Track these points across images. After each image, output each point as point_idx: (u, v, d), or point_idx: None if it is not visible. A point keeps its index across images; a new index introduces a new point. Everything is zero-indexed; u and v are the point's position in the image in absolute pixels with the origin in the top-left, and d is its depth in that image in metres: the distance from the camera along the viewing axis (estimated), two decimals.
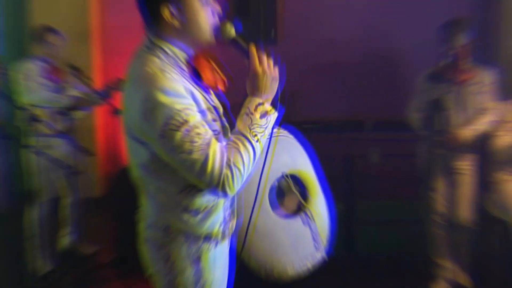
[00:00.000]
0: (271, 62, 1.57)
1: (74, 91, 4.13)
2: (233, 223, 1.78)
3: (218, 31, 1.60)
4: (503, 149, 3.45)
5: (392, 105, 3.96)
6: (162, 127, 1.45)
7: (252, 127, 1.53)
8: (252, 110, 1.55)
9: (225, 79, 1.72)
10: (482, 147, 3.62)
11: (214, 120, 1.59)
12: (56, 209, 4.34)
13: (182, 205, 1.62)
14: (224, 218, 1.72)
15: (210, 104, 1.61)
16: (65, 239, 4.49)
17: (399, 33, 5.04)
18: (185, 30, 1.59)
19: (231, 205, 1.76)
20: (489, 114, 3.50)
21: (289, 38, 5.01)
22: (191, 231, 1.66)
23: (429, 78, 3.54)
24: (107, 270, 4.17)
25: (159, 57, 1.55)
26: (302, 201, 2.07)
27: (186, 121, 1.45)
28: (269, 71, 1.56)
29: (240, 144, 1.52)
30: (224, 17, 1.63)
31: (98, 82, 5.50)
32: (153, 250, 1.69)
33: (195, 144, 1.45)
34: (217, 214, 1.67)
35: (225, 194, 1.52)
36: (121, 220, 4.21)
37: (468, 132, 3.44)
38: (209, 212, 1.66)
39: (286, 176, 2.05)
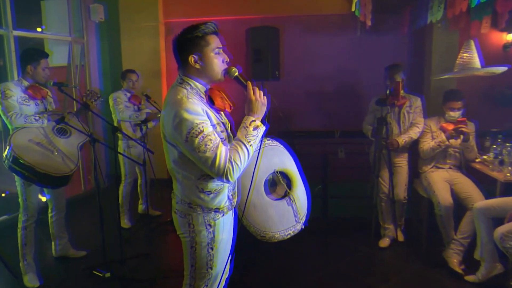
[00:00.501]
0: (262, 93, 1.66)
1: (147, 110, 4.30)
2: (234, 200, 1.81)
3: (226, 72, 1.71)
4: (426, 150, 3.49)
5: (353, 120, 4.03)
6: (186, 135, 1.54)
7: (247, 136, 1.60)
8: (247, 124, 1.62)
9: (230, 104, 1.80)
10: (413, 149, 3.69)
11: (222, 132, 1.68)
12: (135, 187, 4.45)
13: (199, 188, 1.69)
14: (228, 197, 1.76)
15: (219, 120, 1.70)
16: (141, 206, 4.69)
17: (359, 71, 5.13)
18: (203, 71, 1.69)
19: (233, 188, 1.80)
20: (417, 127, 3.56)
21: (288, 75, 5.11)
22: (205, 205, 1.72)
23: (377, 102, 3.59)
24: (167, 226, 4.23)
25: (186, 89, 1.66)
26: (287, 189, 2.08)
27: (202, 131, 1.55)
28: (260, 99, 1.64)
29: (238, 147, 1.59)
30: (230, 63, 1.73)
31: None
32: (181, 218, 1.75)
33: (208, 146, 1.54)
34: (223, 194, 1.73)
35: (228, 181, 1.60)
36: None
37: (403, 139, 3.51)
38: (218, 193, 1.72)
39: (277, 172, 2.07)
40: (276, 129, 5.31)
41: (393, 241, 3.70)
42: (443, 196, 3.26)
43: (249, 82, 1.66)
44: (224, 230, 1.78)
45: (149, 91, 4.26)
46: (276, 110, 5.25)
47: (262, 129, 1.65)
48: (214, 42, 1.69)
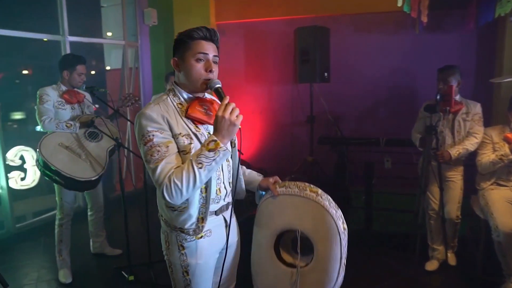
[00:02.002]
0: (235, 112, 1.40)
1: None
2: (202, 225, 1.57)
3: (209, 83, 1.50)
4: (485, 164, 2.99)
5: (403, 128, 3.61)
6: (139, 140, 1.47)
7: (199, 157, 1.40)
8: (205, 144, 1.41)
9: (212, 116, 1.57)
10: (470, 162, 3.18)
11: (189, 144, 1.49)
12: None
13: (164, 201, 1.55)
14: (195, 219, 1.56)
15: (191, 131, 1.51)
16: None
17: (415, 74, 4.61)
18: (184, 78, 1.54)
19: (201, 212, 1.56)
20: (475, 137, 3.06)
21: (337, 77, 4.76)
22: (171, 223, 1.58)
23: (426, 108, 3.15)
24: None
25: (168, 95, 1.55)
26: (297, 260, 1.73)
27: (150, 140, 1.43)
28: (227, 117, 1.38)
29: (185, 167, 1.40)
30: (212, 73, 1.51)
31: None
32: (162, 234, 1.65)
33: (152, 157, 1.43)
34: (186, 214, 1.54)
35: (166, 198, 1.41)
36: None
37: (456, 150, 3.04)
38: (181, 211, 1.55)
39: (300, 233, 1.69)
40: (325, 134, 5.02)
41: (443, 265, 3.23)
42: (503, 220, 2.75)
43: (225, 97, 1.44)
44: (198, 255, 1.60)
45: None
46: (326, 114, 4.96)
47: (223, 152, 1.40)
48: (197, 47, 1.51)
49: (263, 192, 1.81)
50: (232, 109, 1.40)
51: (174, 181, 1.38)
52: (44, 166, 2.77)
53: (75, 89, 3.15)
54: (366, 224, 3.89)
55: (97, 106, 3.29)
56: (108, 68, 5.49)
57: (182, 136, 1.49)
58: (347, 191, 4.39)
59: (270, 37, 5.36)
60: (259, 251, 1.78)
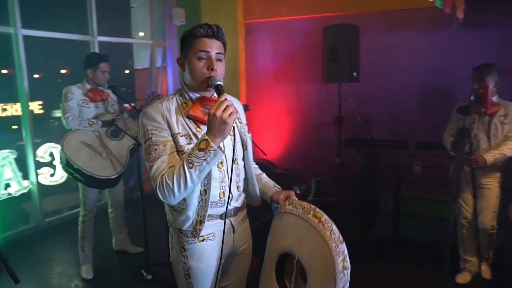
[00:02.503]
0: (228, 111, 1.33)
1: None
2: (199, 227, 1.53)
3: (210, 80, 1.46)
4: None
5: (435, 130, 3.41)
6: (141, 137, 1.50)
7: (189, 156, 1.36)
8: (197, 143, 1.37)
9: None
10: (508, 168, 2.95)
11: (188, 143, 1.46)
12: None
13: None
14: (191, 222, 1.53)
15: (191, 131, 1.49)
16: None
17: (450, 73, 4.35)
18: (189, 77, 1.51)
19: (200, 215, 1.53)
20: None
21: (367, 77, 4.59)
22: (172, 223, 1.58)
23: (459, 110, 2.96)
24: None
25: (175, 95, 1.55)
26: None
27: (149, 138, 1.44)
28: (219, 115, 1.32)
29: (177, 166, 1.38)
30: (214, 71, 1.46)
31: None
32: (169, 234, 1.65)
33: (150, 155, 1.43)
34: (184, 215, 1.52)
35: (159, 197, 1.40)
36: None
37: (492, 155, 2.82)
38: (179, 212, 1.53)
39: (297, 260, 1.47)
40: (354, 135, 4.85)
41: (475, 278, 3.02)
42: None
43: (222, 95, 1.39)
44: (199, 258, 1.56)
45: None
46: (354, 114, 4.80)
47: (213, 152, 1.34)
48: (199, 46, 1.47)
49: (278, 205, 1.70)
50: (226, 107, 1.34)
51: (166, 181, 1.37)
52: (66, 163, 2.82)
53: (99, 88, 3.19)
54: (393, 230, 3.72)
55: (132, 104, 3.33)
56: (137, 67, 5.57)
57: (181, 136, 1.47)
58: (375, 195, 4.22)
59: (298, 36, 5.26)
60: (264, 268, 1.68)
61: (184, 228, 1.53)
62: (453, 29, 4.07)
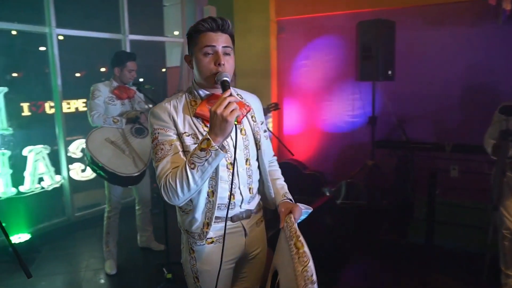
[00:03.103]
0: (229, 108, 1.25)
1: None
2: (205, 230, 1.48)
3: (216, 76, 1.39)
4: None
5: (474, 132, 3.17)
6: (150, 136, 1.48)
7: (191, 157, 1.30)
8: (199, 143, 1.31)
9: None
10: None
11: (194, 143, 1.41)
12: None
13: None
14: (198, 224, 1.48)
15: (198, 130, 1.44)
16: None
17: (494, 72, 4.03)
18: (197, 74, 1.46)
19: (207, 217, 1.48)
20: None
21: (403, 75, 4.36)
22: (181, 224, 1.56)
23: (501, 110, 2.72)
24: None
25: (185, 93, 1.51)
26: None
27: (156, 137, 1.43)
28: (220, 113, 1.25)
29: (181, 167, 1.33)
30: (222, 66, 1.40)
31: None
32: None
33: (156, 155, 1.41)
34: (191, 216, 1.48)
35: (164, 198, 1.36)
36: None
37: None
38: (187, 213, 1.50)
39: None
40: (388, 136, 4.64)
41: None
42: None
43: (226, 91, 1.32)
44: (207, 261, 1.53)
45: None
46: (389, 115, 4.58)
47: (215, 152, 1.28)
48: (204, 41, 1.41)
49: None
50: (227, 104, 1.26)
51: (169, 182, 1.33)
52: (90, 160, 2.86)
53: (126, 85, 3.22)
54: (426, 237, 3.49)
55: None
56: (170, 66, 5.62)
57: (188, 135, 1.43)
58: (409, 200, 4.00)
59: (330, 32, 5.09)
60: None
61: (192, 229, 1.49)
62: (500, 22, 3.77)
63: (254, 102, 1.66)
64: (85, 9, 4.54)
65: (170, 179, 1.33)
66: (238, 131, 1.51)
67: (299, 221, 1.49)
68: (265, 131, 1.67)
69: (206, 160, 1.29)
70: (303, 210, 1.54)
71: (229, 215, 1.51)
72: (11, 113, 3.70)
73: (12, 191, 3.68)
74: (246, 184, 1.54)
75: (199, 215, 1.46)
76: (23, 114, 4.10)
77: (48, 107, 4.14)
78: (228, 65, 1.43)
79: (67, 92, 4.15)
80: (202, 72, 1.42)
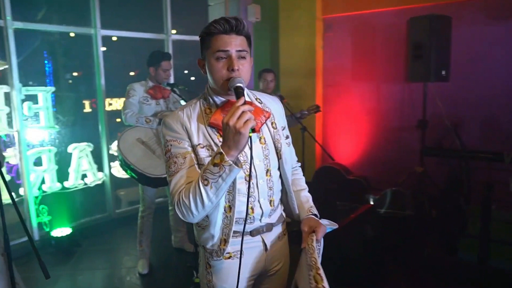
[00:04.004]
0: (243, 118, 1.14)
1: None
2: (223, 247, 1.38)
3: (229, 82, 1.29)
4: None
5: None
6: (163, 148, 1.39)
7: (204, 172, 1.20)
8: (212, 157, 1.20)
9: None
10: None
11: (209, 155, 1.31)
12: None
13: None
14: (215, 240, 1.38)
15: (213, 141, 1.33)
16: None
17: None
18: (210, 80, 1.36)
19: (225, 233, 1.38)
20: None
21: (458, 76, 3.98)
22: (198, 240, 1.46)
23: None
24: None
25: (199, 99, 1.41)
26: None
27: (169, 150, 1.34)
28: (233, 124, 1.14)
29: (194, 182, 1.23)
30: (235, 71, 1.29)
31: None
32: None
33: (170, 169, 1.32)
34: (207, 233, 1.38)
35: (179, 216, 1.27)
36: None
37: None
38: (202, 229, 1.39)
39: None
40: (441, 142, 4.27)
41: None
42: None
43: (239, 99, 1.20)
44: (223, 277, 1.42)
45: (278, 94, 3.95)
46: (442, 118, 4.21)
47: (229, 167, 1.17)
48: (217, 44, 1.30)
49: None
50: (241, 114, 1.15)
51: (182, 199, 1.24)
52: (121, 159, 2.87)
53: (161, 85, 3.21)
54: (480, 257, 3.15)
55: None
56: None
57: (202, 147, 1.32)
58: (461, 214, 3.64)
59: (379, 30, 4.79)
60: None
61: (208, 246, 1.40)
62: None
63: (274, 106, 1.53)
64: (129, 10, 4.62)
65: (183, 196, 1.24)
66: (257, 140, 1.41)
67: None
68: (287, 137, 1.54)
69: (220, 176, 1.19)
70: (328, 227, 1.43)
71: (248, 230, 1.41)
72: (73, 110, 3.86)
73: (57, 186, 3.84)
74: (267, 196, 1.43)
75: (216, 231, 1.37)
76: (84, 110, 4.26)
77: (107, 104, 4.26)
78: (243, 70, 1.31)
79: (113, 91, 4.27)
80: (215, 78, 1.32)
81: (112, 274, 3.31)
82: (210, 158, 1.27)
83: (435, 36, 3.82)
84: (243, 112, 1.15)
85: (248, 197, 1.29)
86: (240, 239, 1.36)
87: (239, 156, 1.23)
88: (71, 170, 3.94)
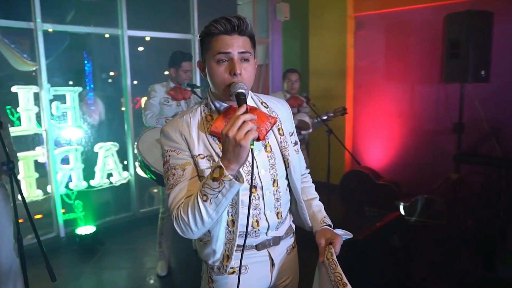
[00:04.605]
0: (243, 129, 1.04)
1: (302, 115, 3.85)
2: (226, 263, 1.29)
3: (231, 87, 1.18)
4: None
5: None
6: (162, 158, 1.29)
7: (203, 186, 1.10)
8: (211, 170, 1.10)
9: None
10: None
11: (209, 167, 1.21)
12: None
13: None
14: (218, 256, 1.29)
15: (215, 151, 1.22)
16: None
17: None
18: (210, 83, 1.25)
19: (228, 249, 1.28)
20: None
21: (499, 77, 3.68)
22: (200, 255, 1.35)
23: None
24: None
25: (200, 105, 1.30)
26: None
27: (167, 161, 1.24)
28: (232, 136, 1.04)
29: (193, 197, 1.13)
30: (238, 76, 1.18)
31: (349, 107, 5.14)
32: None
33: (168, 181, 1.22)
34: (209, 248, 1.28)
35: (178, 232, 1.17)
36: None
37: None
38: (204, 243, 1.29)
39: None
40: (479, 147, 3.97)
41: None
42: None
43: (240, 108, 1.09)
44: None
45: (304, 94, 3.79)
46: (481, 122, 3.91)
47: (229, 182, 1.07)
48: (217, 46, 1.19)
49: None
50: (241, 124, 1.05)
51: (181, 214, 1.15)
52: (141, 160, 2.84)
53: (182, 86, 3.15)
54: None
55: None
56: None
57: (202, 157, 1.22)
58: (500, 226, 3.35)
59: (414, 28, 4.53)
60: None
61: (210, 262, 1.30)
62: None
63: (281, 110, 1.42)
64: (156, 11, 4.63)
65: (182, 212, 1.15)
66: (262, 148, 1.31)
67: None
68: (295, 143, 1.42)
69: (220, 191, 1.09)
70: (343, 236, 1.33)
71: (254, 243, 1.31)
72: (111, 108, 3.89)
73: (83, 184, 3.89)
74: (274, 208, 1.32)
75: (218, 247, 1.27)
76: (122, 109, 4.32)
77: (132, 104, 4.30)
78: (246, 74, 1.20)
79: (141, 91, 4.29)
80: (216, 83, 1.22)
81: (131, 274, 3.30)
82: (208, 169, 1.18)
83: (474, 34, 3.56)
84: (244, 122, 1.05)
85: (249, 210, 1.17)
86: (245, 253, 1.26)
87: (243, 167, 1.13)
88: (97, 169, 3.98)
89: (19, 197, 1.97)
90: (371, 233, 3.10)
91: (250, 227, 1.29)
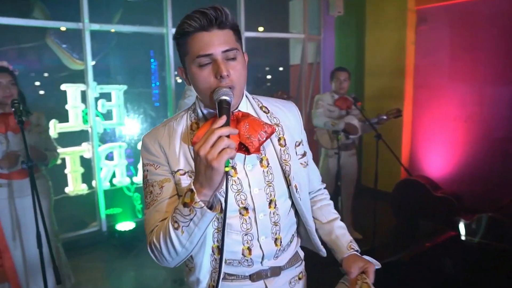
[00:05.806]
0: (217, 148, 0.84)
1: (350, 118, 3.51)
2: None
3: (213, 93, 0.97)
4: None
5: None
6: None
7: (174, 212, 0.92)
8: (184, 194, 0.91)
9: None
10: None
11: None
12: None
13: None
14: (203, 286, 1.08)
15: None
16: None
17: None
18: (195, 91, 1.05)
19: (213, 279, 1.08)
20: None
21: None
22: (186, 281, 1.16)
23: None
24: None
25: (187, 111, 1.11)
26: None
27: (145, 176, 1.07)
28: (203, 155, 0.85)
29: (166, 222, 0.96)
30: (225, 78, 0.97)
31: (408, 109, 4.67)
32: None
33: (146, 200, 1.06)
34: (193, 276, 1.08)
35: (153, 258, 1.01)
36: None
37: None
38: (190, 270, 1.10)
39: None
40: None
41: None
42: None
43: (220, 118, 0.89)
44: None
45: (352, 95, 3.44)
46: None
47: (200, 210, 0.89)
48: (195, 47, 0.98)
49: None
50: (216, 141, 0.85)
51: (154, 241, 0.98)
52: None
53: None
54: None
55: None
56: (292, 63, 5.25)
57: (183, 174, 1.03)
58: None
59: (485, 21, 3.93)
60: None
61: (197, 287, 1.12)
62: None
63: (286, 116, 1.17)
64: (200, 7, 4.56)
65: (155, 238, 0.99)
66: (257, 162, 1.08)
67: None
68: (303, 154, 1.18)
69: (191, 220, 0.92)
70: None
71: (247, 273, 1.11)
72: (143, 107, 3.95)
73: (127, 181, 3.92)
74: (270, 234, 1.10)
75: (202, 276, 1.07)
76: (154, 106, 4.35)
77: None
78: (235, 74, 0.99)
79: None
80: (201, 89, 1.01)
81: (161, 274, 3.23)
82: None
83: None
84: (219, 137, 0.85)
85: (223, 234, 0.97)
86: (236, 283, 1.09)
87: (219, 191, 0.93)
88: (140, 166, 3.99)
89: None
90: (418, 253, 2.72)
91: (241, 255, 1.08)
